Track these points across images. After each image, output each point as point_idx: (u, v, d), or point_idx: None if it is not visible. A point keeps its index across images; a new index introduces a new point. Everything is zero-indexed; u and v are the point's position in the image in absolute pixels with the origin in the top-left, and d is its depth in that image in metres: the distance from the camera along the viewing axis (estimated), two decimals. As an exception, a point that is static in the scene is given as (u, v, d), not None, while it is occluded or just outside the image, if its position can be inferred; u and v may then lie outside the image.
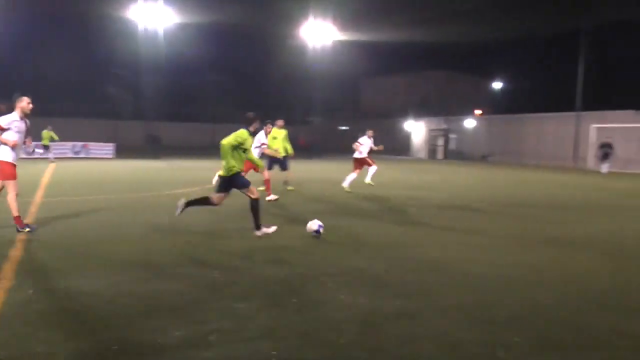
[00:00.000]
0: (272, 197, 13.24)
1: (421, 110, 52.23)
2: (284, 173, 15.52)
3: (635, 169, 31.95)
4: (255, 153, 12.72)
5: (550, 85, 47.42)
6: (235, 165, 8.36)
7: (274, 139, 15.04)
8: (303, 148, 41.31)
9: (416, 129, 51.59)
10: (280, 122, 15.49)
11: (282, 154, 14.98)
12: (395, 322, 4.78)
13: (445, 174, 26.08)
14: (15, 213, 8.16)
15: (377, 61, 52.83)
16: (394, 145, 46.33)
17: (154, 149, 35.57)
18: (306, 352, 4.12)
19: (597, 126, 34.17)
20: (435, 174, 25.93)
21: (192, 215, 10.56)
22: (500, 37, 43.48)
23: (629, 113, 34.61)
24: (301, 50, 41.18)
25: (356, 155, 16.33)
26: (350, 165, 16.55)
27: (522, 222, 10.90)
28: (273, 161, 14.90)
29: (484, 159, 43.28)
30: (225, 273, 6.29)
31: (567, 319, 4.99)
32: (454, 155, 46.71)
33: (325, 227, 8.54)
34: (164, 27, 34.68)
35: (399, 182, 20.17)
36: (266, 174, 13.60)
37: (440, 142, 48.95)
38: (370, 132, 16.53)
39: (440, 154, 48.38)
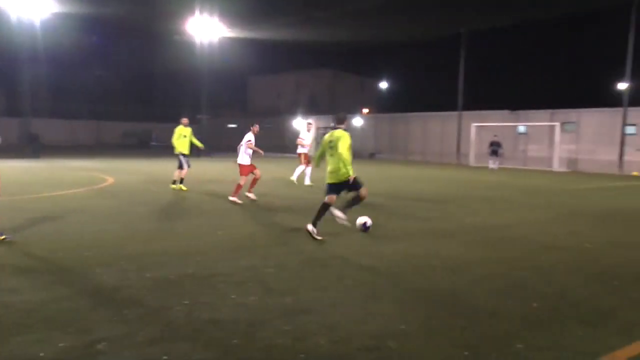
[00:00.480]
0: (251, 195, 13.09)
1: (310, 108, 52.81)
2: (180, 172, 15.30)
3: (510, 165, 34.04)
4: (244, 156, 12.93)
5: (434, 85, 49.49)
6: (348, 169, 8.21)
7: (184, 137, 15.09)
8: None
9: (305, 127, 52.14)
10: (185, 120, 15.39)
11: (187, 152, 15.09)
12: (288, 319, 4.81)
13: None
14: None
15: (265, 59, 52.81)
16: (283, 143, 46.59)
17: (32, 147, 33.43)
18: (198, 354, 4.06)
19: (477, 125, 36.09)
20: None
21: (82, 219, 10.13)
22: (386, 38, 44.66)
23: (504, 113, 36.89)
24: (188, 46, 40.28)
25: (300, 150, 17.33)
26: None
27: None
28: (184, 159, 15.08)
29: (372, 156, 44.44)
30: (114, 277, 6.04)
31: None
32: (342, 152, 47.54)
33: (219, 228, 8.44)
34: (40, 17, 32.80)
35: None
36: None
37: (329, 139, 49.76)
38: (310, 126, 17.78)
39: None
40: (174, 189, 15.24)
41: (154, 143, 51.40)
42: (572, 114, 34.00)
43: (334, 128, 8.60)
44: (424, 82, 52.44)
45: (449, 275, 6.45)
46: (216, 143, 44.17)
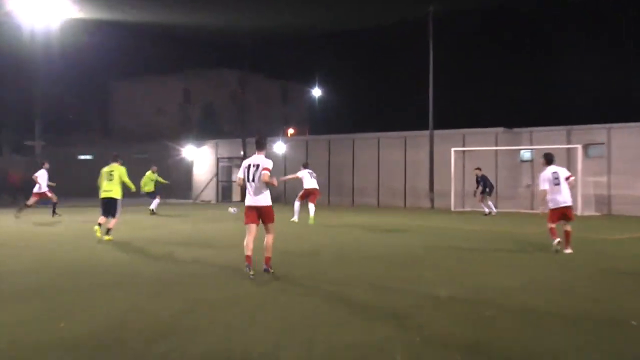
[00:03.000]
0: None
1: (207, 129, 51.17)
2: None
3: (509, 207, 32.82)
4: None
5: (392, 94, 48.76)
6: None
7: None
8: (14, 187, 38.25)
9: (200, 157, 49.41)
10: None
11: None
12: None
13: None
14: None
15: (135, 54, 50.98)
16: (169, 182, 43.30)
17: None
18: None
19: (459, 149, 34.86)
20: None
21: None
22: (318, 25, 43.76)
23: (498, 132, 36.03)
24: (12, 33, 37.58)
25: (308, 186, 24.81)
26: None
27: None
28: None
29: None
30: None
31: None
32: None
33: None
34: None
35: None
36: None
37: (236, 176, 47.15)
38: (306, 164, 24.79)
39: (237, 195, 46.46)
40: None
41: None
42: (599, 132, 33.56)
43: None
44: (376, 89, 51.81)
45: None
46: (61, 180, 40.66)
